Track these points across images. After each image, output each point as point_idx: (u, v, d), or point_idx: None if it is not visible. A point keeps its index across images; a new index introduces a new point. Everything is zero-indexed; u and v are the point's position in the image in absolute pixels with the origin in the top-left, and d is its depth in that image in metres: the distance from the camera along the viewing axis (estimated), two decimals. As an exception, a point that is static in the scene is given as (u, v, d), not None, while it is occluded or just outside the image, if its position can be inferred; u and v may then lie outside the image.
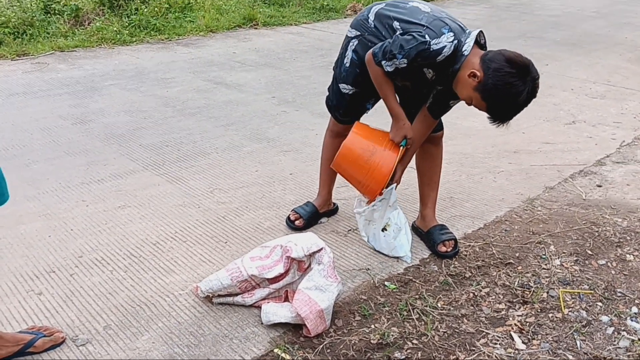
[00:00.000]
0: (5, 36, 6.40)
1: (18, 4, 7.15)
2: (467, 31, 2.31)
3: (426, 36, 2.22)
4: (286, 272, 2.29)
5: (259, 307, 2.24)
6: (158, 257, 2.60)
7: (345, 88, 2.59)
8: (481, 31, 2.32)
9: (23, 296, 2.32)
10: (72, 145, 3.86)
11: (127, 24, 7.18)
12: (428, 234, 2.70)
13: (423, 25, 2.26)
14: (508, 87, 2.17)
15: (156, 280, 2.44)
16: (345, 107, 2.66)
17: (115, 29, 6.97)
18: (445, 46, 2.22)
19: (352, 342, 2.12)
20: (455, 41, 2.23)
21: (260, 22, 7.95)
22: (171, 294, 2.35)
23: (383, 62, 2.31)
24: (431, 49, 2.22)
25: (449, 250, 2.63)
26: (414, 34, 2.24)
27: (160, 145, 3.89)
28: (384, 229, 2.58)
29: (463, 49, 2.25)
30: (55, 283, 2.41)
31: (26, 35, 6.56)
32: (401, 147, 2.49)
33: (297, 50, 6.62)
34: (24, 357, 1.99)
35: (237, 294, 2.28)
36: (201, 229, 2.85)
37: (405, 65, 2.27)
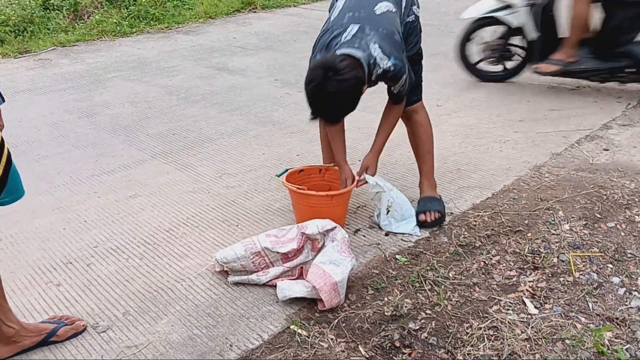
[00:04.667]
0: (7, 34, 6.43)
1: (17, 1, 7.17)
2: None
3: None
4: (300, 250, 2.33)
5: (274, 286, 2.28)
6: (172, 243, 2.65)
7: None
8: None
9: (42, 288, 2.37)
10: (80, 139, 3.90)
11: (126, 15, 7.19)
12: (417, 204, 2.73)
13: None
14: None
15: (171, 265, 2.48)
16: None
17: (114, 21, 6.97)
18: None
19: (367, 315, 2.15)
20: None
21: (258, 5, 7.92)
22: (187, 278, 2.40)
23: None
24: None
25: (428, 219, 2.65)
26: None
27: (167, 133, 3.92)
28: (388, 211, 2.61)
29: None
30: (73, 273, 2.46)
31: (27, 32, 6.58)
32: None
33: (297, 32, 6.61)
34: (47, 347, 2.04)
35: (251, 272, 2.32)
36: (212, 214, 2.89)
37: None
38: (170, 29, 7.04)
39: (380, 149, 2.68)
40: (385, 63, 2.31)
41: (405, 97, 2.57)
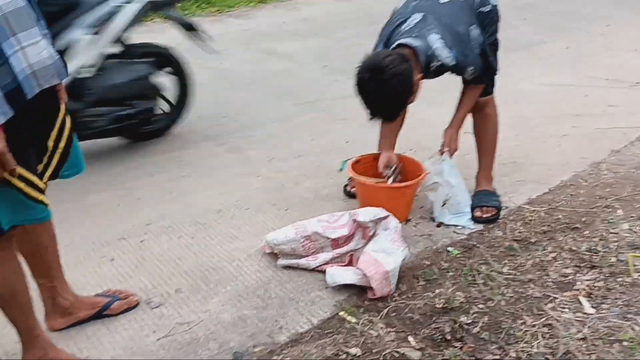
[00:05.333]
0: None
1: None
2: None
3: None
4: (350, 237, 2.32)
5: (323, 272, 2.27)
6: (222, 225, 2.66)
7: None
8: None
9: (96, 262, 2.42)
10: (133, 118, 3.95)
11: (178, -2, 7.24)
12: (473, 198, 2.67)
13: None
14: None
15: (221, 246, 2.50)
16: None
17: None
18: None
19: (417, 306, 2.12)
20: None
21: (309, -10, 7.88)
22: (237, 259, 2.41)
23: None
24: None
25: (483, 215, 2.59)
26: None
27: (218, 116, 3.94)
28: (444, 204, 2.56)
29: None
30: (127, 249, 2.50)
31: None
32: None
33: (346, 19, 6.54)
34: (100, 319, 2.08)
35: (301, 256, 2.32)
36: (262, 197, 2.89)
37: None
38: (221, 12, 7.06)
39: (459, 124, 2.60)
40: (445, 55, 2.25)
41: (484, 81, 2.50)
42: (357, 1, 7.39)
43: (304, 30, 6.17)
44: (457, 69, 2.32)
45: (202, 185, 3.03)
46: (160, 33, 6.18)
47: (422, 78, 2.37)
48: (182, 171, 3.19)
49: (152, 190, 2.99)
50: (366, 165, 2.78)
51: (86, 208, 2.84)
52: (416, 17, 2.30)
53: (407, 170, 2.71)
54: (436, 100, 3.69)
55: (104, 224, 2.69)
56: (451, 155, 2.57)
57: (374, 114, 2.27)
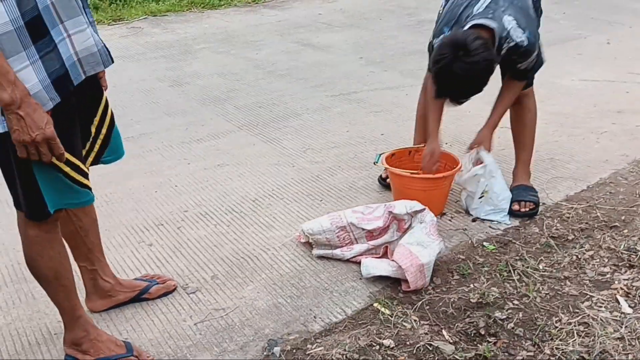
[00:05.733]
0: (101, 2, 6.68)
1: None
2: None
3: None
4: (385, 229, 2.32)
5: (357, 263, 2.28)
6: (257, 213, 2.69)
7: None
8: None
9: (135, 247, 2.47)
10: (171, 106, 4.02)
11: (215, -13, 7.29)
12: (511, 192, 2.64)
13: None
14: None
15: (257, 234, 2.53)
16: None
17: (204, -8, 7.09)
18: None
19: (452, 300, 2.12)
20: None
21: (345, -18, 7.85)
22: (272, 247, 2.44)
23: None
24: None
25: (521, 209, 2.56)
26: None
27: (253, 106, 3.98)
28: (481, 197, 2.54)
29: None
30: (165, 235, 2.55)
31: (120, 1, 6.81)
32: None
33: (383, 10, 6.51)
34: (139, 303, 2.13)
35: (335, 247, 2.33)
36: (297, 187, 2.91)
37: None
38: (257, 3, 7.10)
39: (495, 124, 2.58)
40: (519, 36, 2.23)
41: (528, 76, 2.48)
42: (393, -7, 7.35)
43: (340, 21, 6.16)
44: (526, 52, 2.29)
45: (238, 175, 3.06)
46: (197, 22, 6.25)
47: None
48: (218, 160, 3.23)
49: (189, 178, 3.04)
50: (401, 159, 2.77)
51: (125, 194, 2.90)
52: (486, 0, 2.27)
53: (443, 163, 2.70)
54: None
55: (142, 210, 2.75)
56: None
57: (446, 94, 2.25)
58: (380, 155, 2.69)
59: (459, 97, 2.30)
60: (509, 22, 2.23)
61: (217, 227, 2.59)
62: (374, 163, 2.69)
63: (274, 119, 3.75)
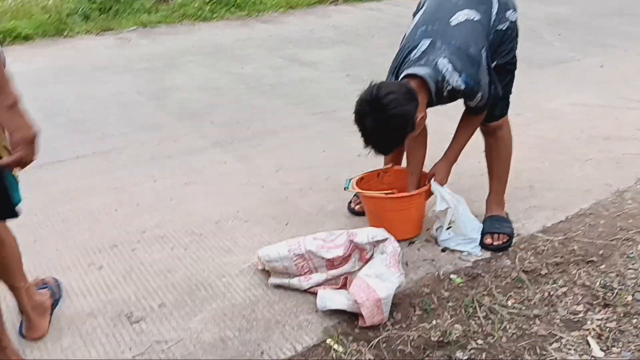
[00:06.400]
0: (93, 11, 6.62)
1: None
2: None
3: None
4: (346, 259, 2.20)
5: (315, 294, 2.15)
6: (218, 237, 2.57)
7: None
8: None
9: (84, 269, 2.35)
10: (147, 120, 3.92)
11: (208, 0, 7.24)
12: (483, 223, 2.52)
13: None
14: None
15: (214, 259, 2.41)
16: None
17: (197, 5, 7.04)
18: None
19: (411, 337, 1.99)
20: None
21: (340, -2, 7.80)
22: (228, 274, 2.31)
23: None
24: None
25: (494, 242, 2.44)
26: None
27: (231, 122, 3.87)
28: (449, 227, 2.41)
29: None
30: (117, 257, 2.43)
31: (112, 10, 6.75)
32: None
33: (375, 27, 6.44)
34: (77, 331, 2.01)
35: (293, 275, 2.21)
36: (263, 209, 2.79)
37: None
38: (250, 16, 7.04)
39: (452, 159, 2.48)
40: (455, 80, 2.12)
41: (485, 110, 2.36)
42: (388, 10, 7.28)
43: (332, 37, 6.08)
44: (466, 94, 2.18)
45: (204, 194, 2.94)
46: (188, 34, 6.18)
47: (438, 103, 2.25)
48: (186, 178, 3.11)
49: (153, 196, 2.92)
50: (370, 182, 2.67)
51: (84, 212, 2.78)
52: (424, 44, 2.17)
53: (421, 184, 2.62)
54: (452, 113, 3.55)
55: (98, 230, 2.63)
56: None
57: (368, 145, 2.17)
58: (349, 180, 2.58)
59: (380, 151, 2.20)
60: (444, 65, 2.12)
61: (173, 251, 2.47)
62: (345, 189, 2.58)
63: (250, 137, 3.64)
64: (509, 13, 2.31)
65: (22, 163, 1.54)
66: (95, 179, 3.11)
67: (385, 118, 2.04)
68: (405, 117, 2.07)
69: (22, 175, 2.67)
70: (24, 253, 2.41)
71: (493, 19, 2.27)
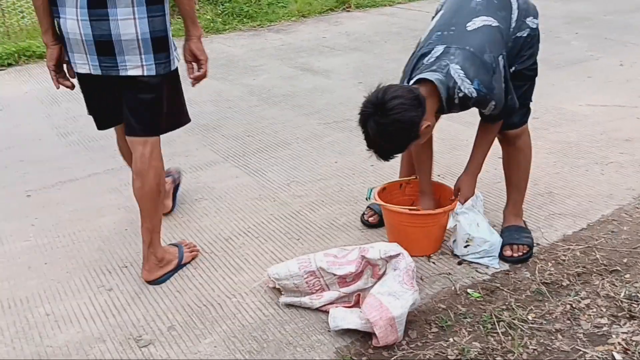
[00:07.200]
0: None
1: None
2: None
3: None
4: (359, 275, 2.13)
5: (327, 312, 2.09)
6: (229, 254, 2.52)
7: None
8: None
9: (94, 291, 2.32)
10: (158, 136, 3.89)
11: (220, 12, 7.24)
12: (501, 234, 2.43)
13: None
14: None
15: (225, 279, 2.36)
16: None
17: (209, 17, 7.04)
18: None
19: (427, 357, 1.91)
20: None
21: (352, 4, 7.74)
22: (238, 294, 2.26)
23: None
24: None
25: (514, 255, 2.35)
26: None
27: (242, 135, 3.83)
28: (466, 245, 2.33)
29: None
30: (127, 279, 2.39)
31: (125, 27, 6.77)
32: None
33: (389, 32, 6.37)
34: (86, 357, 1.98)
35: (305, 294, 2.15)
36: (275, 224, 2.74)
37: None
38: (262, 27, 7.02)
39: (476, 171, 2.40)
40: (467, 87, 2.04)
41: (502, 118, 2.28)
42: (401, 15, 7.21)
43: (344, 45, 6.03)
44: (479, 102, 2.11)
45: (215, 210, 2.90)
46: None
47: (449, 111, 2.19)
48: (197, 194, 3.07)
49: (163, 214, 2.88)
50: (393, 192, 2.60)
51: (95, 232, 2.75)
52: (438, 49, 2.11)
53: (438, 195, 2.56)
54: (468, 120, 3.47)
55: (108, 250, 2.60)
56: (463, 202, 2.36)
57: (370, 149, 2.11)
58: (371, 190, 2.51)
59: (379, 155, 2.12)
60: (456, 71, 2.05)
61: (183, 270, 2.42)
62: (366, 199, 2.51)
63: (261, 149, 3.60)
64: (529, 20, 2.25)
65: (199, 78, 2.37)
66: (106, 197, 3.08)
67: (388, 122, 1.98)
68: (408, 124, 2.00)
69: (34, 197, 2.74)
70: (34, 276, 2.41)
71: (513, 26, 2.20)
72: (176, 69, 2.27)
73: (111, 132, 3.36)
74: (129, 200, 3.03)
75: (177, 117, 2.43)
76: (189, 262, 2.45)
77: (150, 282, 2.32)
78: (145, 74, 2.13)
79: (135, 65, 2.11)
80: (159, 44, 2.15)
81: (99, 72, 2.13)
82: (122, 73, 2.12)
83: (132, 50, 2.08)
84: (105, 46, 2.07)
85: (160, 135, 2.32)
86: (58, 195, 3.12)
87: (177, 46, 2.29)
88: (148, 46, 2.11)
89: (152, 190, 2.25)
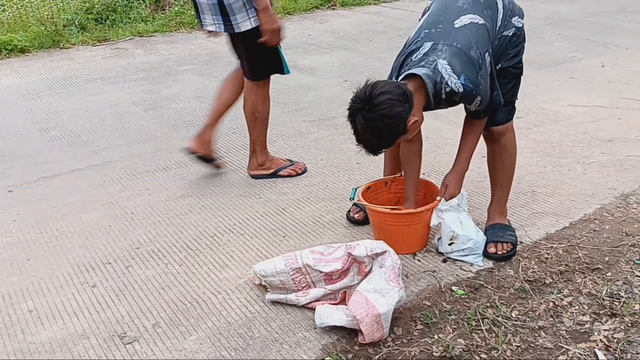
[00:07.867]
0: (89, 22, 6.57)
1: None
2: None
3: None
4: (345, 272, 2.14)
5: (313, 309, 2.09)
6: (214, 251, 2.51)
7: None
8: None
9: (77, 288, 2.30)
10: (142, 132, 3.86)
11: (205, 8, 7.18)
12: (486, 232, 2.46)
13: None
14: None
15: (210, 275, 2.35)
16: None
17: (193, 13, 6.98)
18: None
19: (412, 353, 1.93)
20: None
21: (338, 2, 7.74)
22: (224, 290, 2.25)
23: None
24: None
25: (498, 252, 2.38)
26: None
27: (228, 132, 3.81)
28: (451, 243, 2.35)
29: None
30: (110, 275, 2.37)
31: (109, 20, 6.70)
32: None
33: (374, 31, 6.38)
34: (69, 352, 1.96)
35: (291, 291, 2.15)
36: (260, 221, 2.74)
37: None
38: (247, 23, 6.98)
39: (463, 169, 2.42)
40: (453, 82, 2.06)
41: (487, 115, 2.30)
42: (387, 13, 7.22)
43: (330, 43, 6.02)
44: (465, 97, 2.13)
45: (200, 207, 2.89)
46: (184, 43, 6.13)
47: (437, 107, 2.21)
48: (182, 190, 3.06)
49: (147, 210, 2.86)
50: (378, 191, 2.61)
51: (78, 228, 2.73)
52: (426, 46, 2.14)
53: (422, 191, 2.58)
54: (453, 119, 3.49)
55: (91, 246, 2.57)
56: (448, 199, 2.37)
57: (359, 144, 2.13)
58: (356, 190, 2.52)
59: (368, 149, 2.15)
60: (443, 66, 2.07)
61: (167, 267, 2.41)
62: (350, 199, 2.52)
63: (246, 146, 3.54)
64: (515, 19, 2.28)
65: (270, 43, 2.80)
66: (89, 193, 3.05)
67: (375, 117, 2.00)
68: (396, 119, 2.02)
69: (16, 193, 2.70)
70: (17, 272, 2.38)
71: (499, 24, 2.23)
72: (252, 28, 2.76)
73: (94, 128, 3.37)
74: (113, 197, 3.02)
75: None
76: (285, 176, 3.10)
77: (251, 177, 3.12)
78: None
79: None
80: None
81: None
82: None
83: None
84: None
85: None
86: (40, 190, 3.08)
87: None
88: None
89: (248, 113, 3.10)
